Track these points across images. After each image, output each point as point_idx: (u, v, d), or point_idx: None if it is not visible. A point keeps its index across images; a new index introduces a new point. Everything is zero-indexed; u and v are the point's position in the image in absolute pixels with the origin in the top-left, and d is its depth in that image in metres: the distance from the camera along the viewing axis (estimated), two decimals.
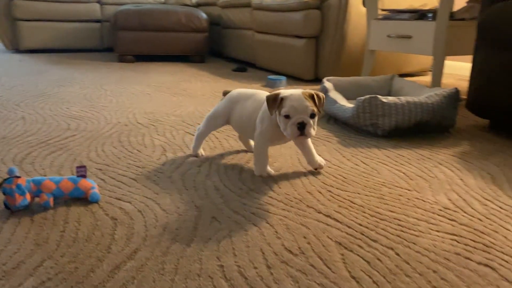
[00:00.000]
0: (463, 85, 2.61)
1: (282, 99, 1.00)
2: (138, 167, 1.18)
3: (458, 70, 3.13)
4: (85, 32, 4.17)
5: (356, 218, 0.89)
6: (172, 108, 1.92)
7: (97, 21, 4.22)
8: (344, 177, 1.12)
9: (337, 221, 0.88)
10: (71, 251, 0.75)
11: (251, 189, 1.04)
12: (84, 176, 0.98)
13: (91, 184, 0.97)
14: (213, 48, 4.20)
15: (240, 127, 1.19)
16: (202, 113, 1.81)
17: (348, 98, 1.91)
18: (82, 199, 0.96)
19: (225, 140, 1.43)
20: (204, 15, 3.66)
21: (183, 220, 0.87)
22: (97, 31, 4.23)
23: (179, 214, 0.90)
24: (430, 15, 1.97)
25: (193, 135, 1.49)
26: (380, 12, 2.36)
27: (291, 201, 0.97)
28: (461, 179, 1.12)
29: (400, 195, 1.01)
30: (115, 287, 0.66)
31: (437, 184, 1.08)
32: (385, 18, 2.21)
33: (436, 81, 1.96)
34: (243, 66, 3.21)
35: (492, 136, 1.51)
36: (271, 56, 3.01)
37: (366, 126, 1.51)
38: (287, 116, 0.99)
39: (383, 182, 1.09)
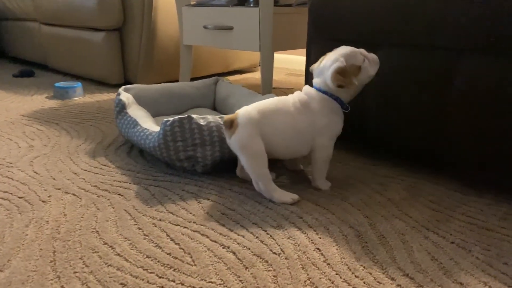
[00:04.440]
0: (294, 81, 2.36)
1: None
2: None
3: (289, 63, 2.91)
4: None
5: None
6: None
7: None
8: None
9: None
10: None
11: None
12: None
13: None
14: None
15: (289, 147, 0.93)
16: None
17: (159, 114, 1.41)
18: None
19: None
20: None
21: None
22: None
23: None
24: (251, 0, 1.59)
25: None
26: None
27: None
28: (318, 248, 0.73)
29: None
30: None
31: (288, 269, 0.66)
32: (199, 4, 1.75)
33: (267, 85, 1.59)
34: (29, 69, 2.42)
35: (340, 155, 1.19)
36: (65, 54, 2.31)
37: (179, 160, 1.03)
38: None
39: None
